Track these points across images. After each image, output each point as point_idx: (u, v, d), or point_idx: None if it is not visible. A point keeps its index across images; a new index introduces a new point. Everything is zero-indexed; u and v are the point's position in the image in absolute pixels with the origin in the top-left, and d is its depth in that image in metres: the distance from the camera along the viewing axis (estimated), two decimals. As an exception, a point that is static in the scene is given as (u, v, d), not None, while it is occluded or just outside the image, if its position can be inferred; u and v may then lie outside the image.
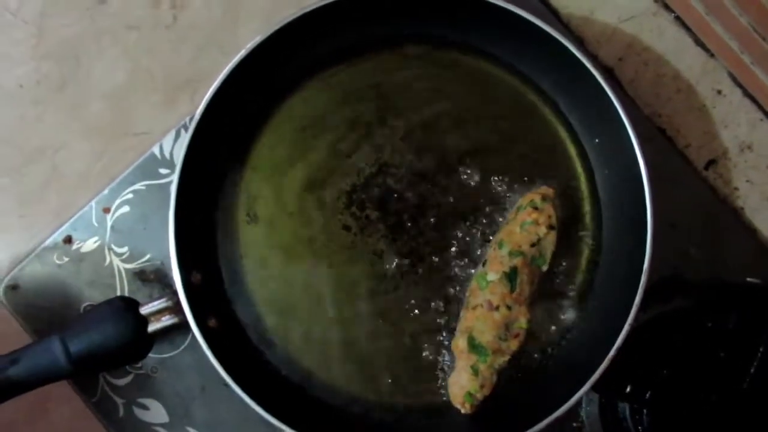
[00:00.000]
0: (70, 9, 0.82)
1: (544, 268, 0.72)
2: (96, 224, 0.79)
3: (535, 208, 0.72)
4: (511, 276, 0.70)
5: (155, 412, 0.78)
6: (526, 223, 0.72)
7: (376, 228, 0.77)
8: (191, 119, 0.72)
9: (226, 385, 0.69)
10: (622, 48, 0.82)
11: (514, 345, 0.71)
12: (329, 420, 0.74)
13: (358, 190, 0.77)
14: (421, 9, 0.74)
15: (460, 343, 0.72)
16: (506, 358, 0.71)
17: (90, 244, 0.80)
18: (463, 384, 0.71)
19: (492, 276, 0.71)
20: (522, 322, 0.70)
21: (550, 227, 0.71)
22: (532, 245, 0.71)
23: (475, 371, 0.71)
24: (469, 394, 0.71)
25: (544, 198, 0.73)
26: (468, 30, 0.76)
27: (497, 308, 0.70)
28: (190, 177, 0.71)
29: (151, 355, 0.77)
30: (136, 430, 0.78)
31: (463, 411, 0.72)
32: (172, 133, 0.81)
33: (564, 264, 0.76)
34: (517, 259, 0.71)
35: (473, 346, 0.71)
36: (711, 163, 0.82)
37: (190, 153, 0.70)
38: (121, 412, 0.78)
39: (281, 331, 0.76)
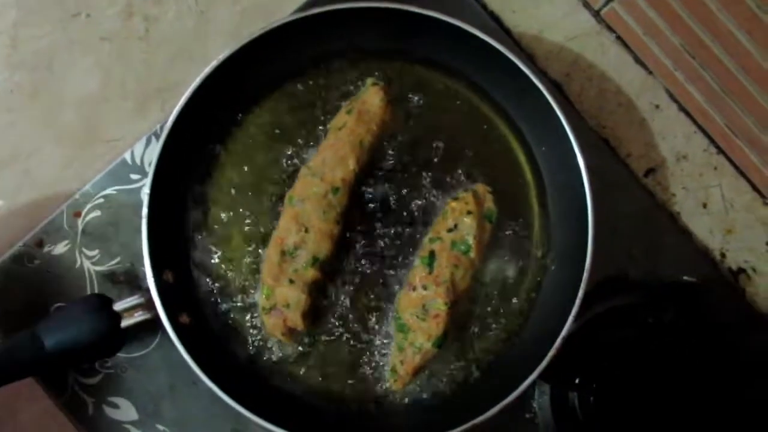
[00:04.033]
0: (43, 20, 0.84)
1: (472, 254, 0.77)
2: (67, 228, 0.81)
3: (456, 199, 0.79)
4: (429, 259, 0.76)
5: (125, 411, 0.80)
6: (446, 211, 0.79)
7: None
8: (162, 127, 0.75)
9: (195, 382, 0.71)
10: (569, 65, 0.88)
11: (434, 326, 0.75)
12: (297, 411, 0.77)
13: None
14: (383, 26, 0.79)
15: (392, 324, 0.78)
16: (428, 338, 0.75)
17: (61, 247, 0.81)
18: (392, 361, 0.77)
19: (416, 261, 0.78)
20: (439, 303, 0.75)
21: (468, 213, 0.77)
22: (449, 230, 0.77)
23: (400, 348, 0.76)
24: (393, 370, 0.77)
25: (473, 192, 0.78)
26: (426, 46, 0.81)
27: (414, 288, 0.76)
28: (162, 180, 0.74)
29: (120, 354, 0.79)
30: (106, 428, 0.79)
31: (387, 385, 0.77)
32: (143, 140, 0.83)
33: (514, 262, 0.81)
34: (435, 244, 0.77)
35: (398, 324, 0.77)
36: (650, 171, 0.88)
37: (162, 158, 0.73)
38: (91, 410, 0.79)
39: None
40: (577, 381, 0.79)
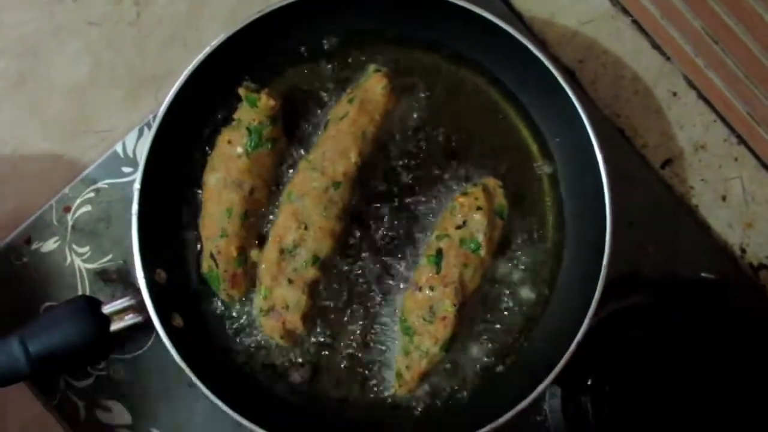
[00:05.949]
0: (28, 4, 0.80)
1: (482, 253, 0.73)
2: (56, 224, 0.78)
3: (464, 194, 0.75)
4: (436, 258, 0.72)
5: (118, 414, 0.77)
6: (453, 207, 0.74)
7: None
8: (155, 117, 0.72)
9: (191, 385, 0.69)
10: (583, 50, 0.84)
11: (441, 329, 0.71)
12: (296, 418, 0.74)
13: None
14: (386, 9, 0.75)
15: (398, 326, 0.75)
16: (435, 342, 0.71)
17: (50, 244, 0.78)
18: (397, 365, 0.74)
19: (422, 260, 0.74)
20: (447, 305, 0.71)
21: (477, 208, 0.73)
22: (458, 227, 0.73)
23: (405, 352, 0.73)
24: (398, 374, 0.73)
25: (483, 186, 0.75)
26: (435, 30, 0.77)
27: (420, 289, 0.72)
28: (154, 175, 0.71)
29: (113, 355, 0.77)
30: (99, 432, 0.77)
31: (393, 390, 0.74)
32: (135, 131, 0.80)
33: (527, 260, 0.77)
34: (443, 242, 0.73)
35: (404, 327, 0.73)
36: (667, 162, 0.84)
37: (154, 150, 0.70)
38: (83, 414, 0.77)
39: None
40: (589, 383, 0.76)
